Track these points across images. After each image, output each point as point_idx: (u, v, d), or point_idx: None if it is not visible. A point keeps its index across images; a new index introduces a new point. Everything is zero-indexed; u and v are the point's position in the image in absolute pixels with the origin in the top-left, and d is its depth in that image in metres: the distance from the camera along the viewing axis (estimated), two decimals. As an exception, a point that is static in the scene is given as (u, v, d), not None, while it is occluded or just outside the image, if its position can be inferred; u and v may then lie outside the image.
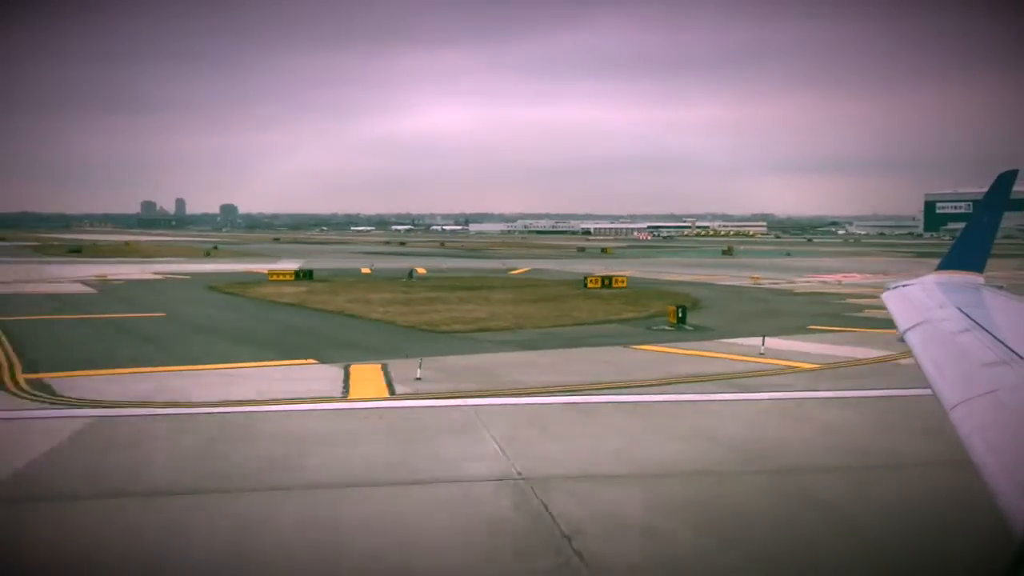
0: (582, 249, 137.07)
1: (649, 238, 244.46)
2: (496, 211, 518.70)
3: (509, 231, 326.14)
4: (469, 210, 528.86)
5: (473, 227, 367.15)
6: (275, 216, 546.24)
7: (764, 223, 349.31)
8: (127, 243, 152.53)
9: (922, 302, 9.07)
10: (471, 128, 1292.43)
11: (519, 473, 13.48)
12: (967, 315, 7.75)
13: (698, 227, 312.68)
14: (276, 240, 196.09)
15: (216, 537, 10.85)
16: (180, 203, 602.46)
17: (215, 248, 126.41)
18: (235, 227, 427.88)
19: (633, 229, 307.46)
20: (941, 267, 11.16)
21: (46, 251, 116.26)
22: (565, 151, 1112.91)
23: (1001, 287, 10.28)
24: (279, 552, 10.40)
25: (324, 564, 10.08)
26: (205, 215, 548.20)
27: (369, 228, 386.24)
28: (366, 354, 26.70)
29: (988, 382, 5.46)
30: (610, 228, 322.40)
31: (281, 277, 61.92)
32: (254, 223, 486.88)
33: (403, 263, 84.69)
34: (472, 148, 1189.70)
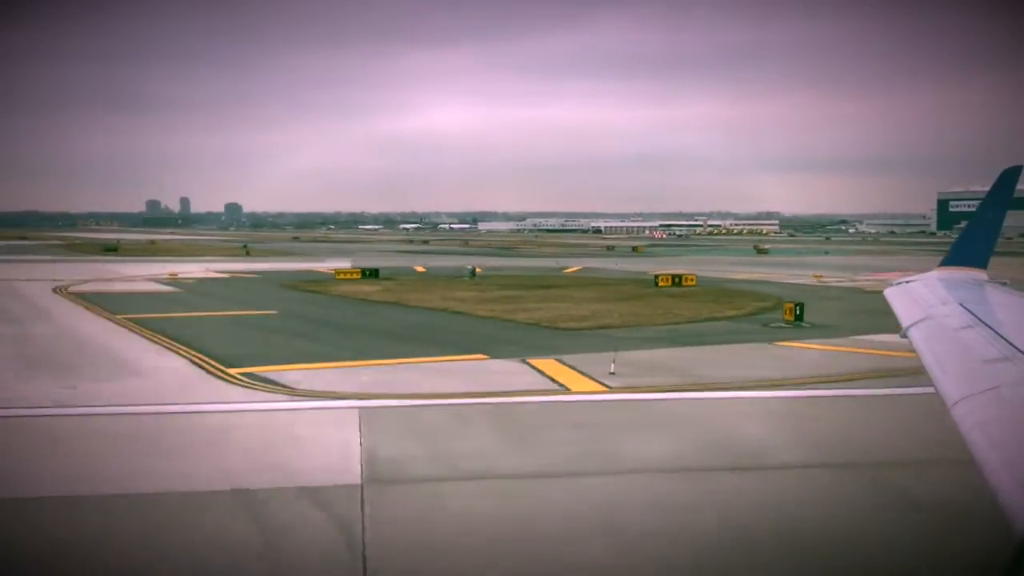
0: (611, 248, 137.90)
1: (665, 236, 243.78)
2: (497, 209, 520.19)
3: (519, 229, 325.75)
4: (469, 208, 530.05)
5: (482, 225, 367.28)
6: (279, 215, 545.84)
7: (776, 221, 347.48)
8: (153, 242, 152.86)
9: (925, 298, 9.12)
10: (471, 127, 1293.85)
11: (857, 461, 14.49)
12: (970, 311, 7.76)
13: (710, 225, 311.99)
14: (296, 239, 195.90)
15: (614, 513, 11.80)
16: (184, 202, 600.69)
17: (245, 247, 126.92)
18: (240, 226, 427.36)
19: (645, 227, 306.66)
20: (944, 263, 11.19)
21: (81, 250, 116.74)
22: (565, 150, 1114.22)
23: (1004, 283, 10.39)
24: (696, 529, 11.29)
25: (764, 542, 10.85)
26: (209, 214, 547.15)
27: (376, 227, 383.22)
28: (523, 350, 27.61)
29: (990, 378, 5.48)
30: (621, 226, 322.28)
31: (349, 275, 62.86)
32: (259, 222, 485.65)
33: (448, 262, 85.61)
34: (472, 147, 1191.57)
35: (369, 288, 53.30)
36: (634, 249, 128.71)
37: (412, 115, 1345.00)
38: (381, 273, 64.59)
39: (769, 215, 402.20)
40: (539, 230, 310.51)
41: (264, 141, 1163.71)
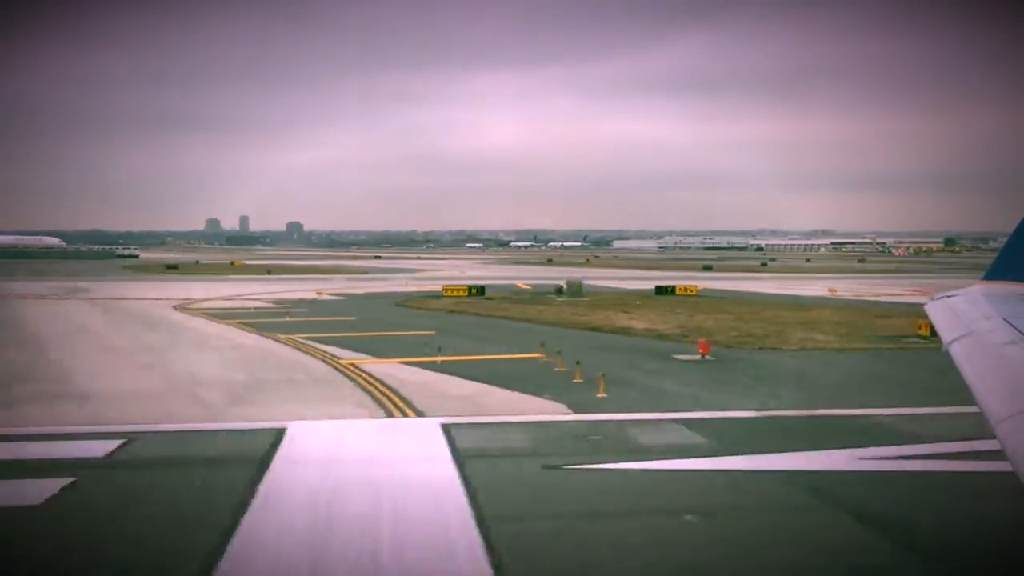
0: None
1: (905, 253, 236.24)
2: (542, 227, 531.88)
3: (664, 247, 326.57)
4: (517, 226, 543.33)
5: (617, 244, 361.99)
6: (332, 232, 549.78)
7: (941, 240, 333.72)
8: (588, 260, 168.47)
9: (967, 313, 8.75)
10: (523, 146, 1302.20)
11: None
12: (1014, 327, 7.48)
13: (876, 244, 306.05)
14: (578, 257, 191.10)
15: None
16: (244, 220, 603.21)
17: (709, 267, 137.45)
18: (309, 244, 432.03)
19: (817, 245, 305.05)
20: (987, 277, 10.73)
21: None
22: (617, 168, 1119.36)
23: None
24: None
25: None
26: (268, 232, 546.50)
27: (478, 244, 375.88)
28: None
29: None
30: (784, 244, 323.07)
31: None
32: (327, 241, 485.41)
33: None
34: (525, 166, 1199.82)
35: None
36: None
37: (467, 134, 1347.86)
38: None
39: (823, 232, 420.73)
40: (682, 248, 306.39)
41: (317, 160, 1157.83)
